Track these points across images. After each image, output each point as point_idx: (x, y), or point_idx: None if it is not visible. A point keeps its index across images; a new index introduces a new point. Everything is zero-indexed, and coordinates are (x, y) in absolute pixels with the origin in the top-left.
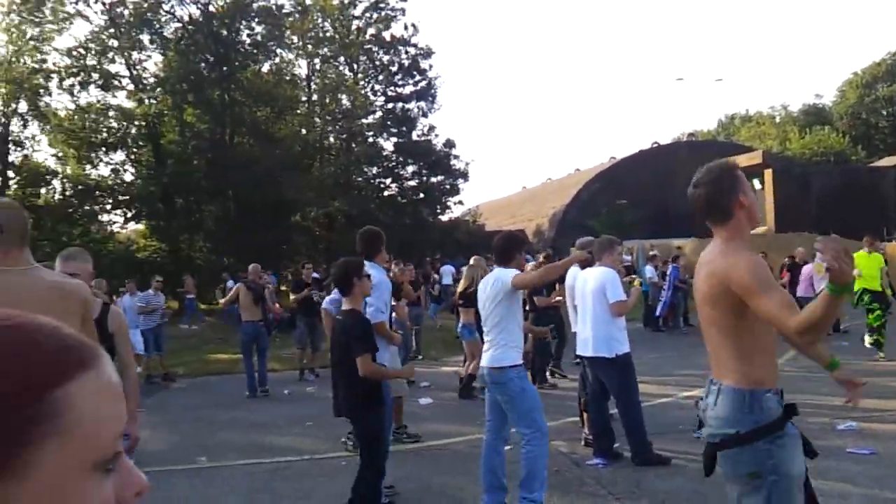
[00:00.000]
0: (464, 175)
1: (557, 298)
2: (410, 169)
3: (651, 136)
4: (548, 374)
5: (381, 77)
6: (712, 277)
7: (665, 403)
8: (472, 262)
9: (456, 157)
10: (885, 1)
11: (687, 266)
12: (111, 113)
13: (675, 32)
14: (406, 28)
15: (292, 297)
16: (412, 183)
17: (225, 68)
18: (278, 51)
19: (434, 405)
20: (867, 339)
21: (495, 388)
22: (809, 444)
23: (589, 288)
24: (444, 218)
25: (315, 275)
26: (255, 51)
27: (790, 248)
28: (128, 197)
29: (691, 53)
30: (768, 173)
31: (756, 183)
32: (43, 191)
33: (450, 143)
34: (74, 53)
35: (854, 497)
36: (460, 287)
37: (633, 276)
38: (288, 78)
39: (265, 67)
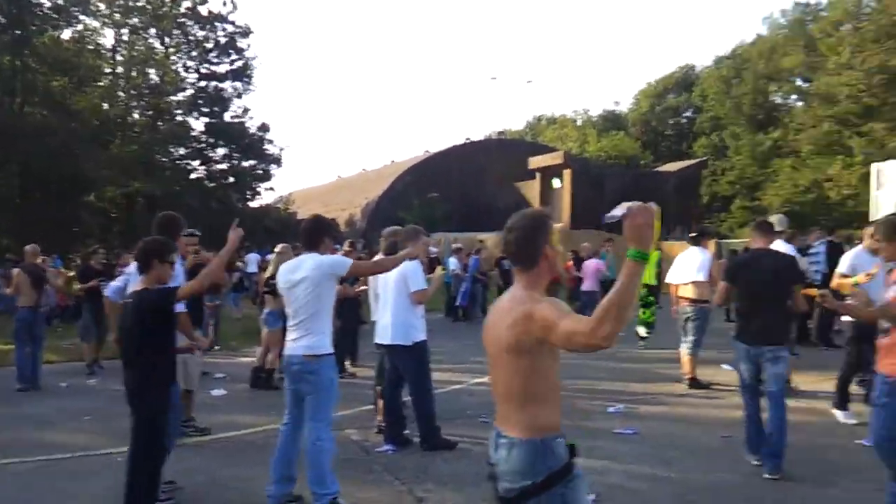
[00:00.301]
0: (277, 161)
1: (362, 287)
2: (221, 151)
3: (465, 131)
4: (347, 363)
5: (194, 53)
6: (515, 324)
7: (457, 390)
8: (278, 249)
9: (270, 141)
10: (679, 18)
11: (487, 259)
12: None
13: (490, 32)
14: (224, 4)
15: (78, 285)
16: (222, 166)
17: (19, 32)
18: (82, 17)
19: (228, 396)
20: (642, 331)
21: (304, 377)
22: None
23: (391, 276)
24: (255, 204)
25: (104, 261)
26: (55, 15)
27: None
28: None
29: (505, 54)
30: (567, 173)
31: (556, 182)
32: None
33: (264, 127)
34: None
35: (614, 473)
36: (267, 274)
37: (440, 267)
38: (91, 47)
39: (66, 34)
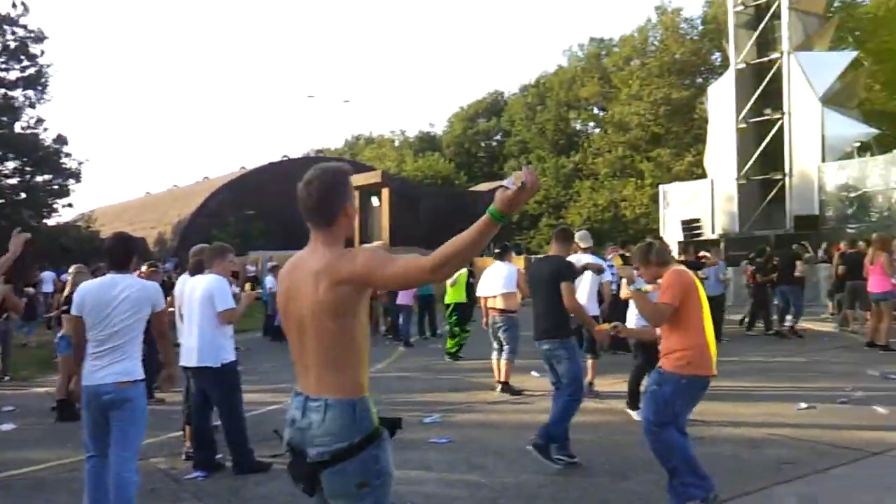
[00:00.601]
0: (76, 175)
1: (170, 309)
2: (11, 165)
3: (282, 149)
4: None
5: None
6: (333, 285)
7: (273, 410)
8: (73, 269)
9: (67, 155)
10: (488, 46)
11: None
12: None
13: (307, 50)
14: (14, 6)
15: None
16: (12, 181)
17: None
18: None
19: (18, 430)
20: (447, 357)
21: (118, 405)
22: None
23: (196, 296)
24: (51, 222)
25: None
26: None
27: None
28: None
29: (323, 73)
30: (385, 192)
31: (375, 200)
32: None
33: (61, 140)
34: None
35: (429, 482)
36: (66, 293)
37: (249, 284)
38: None
39: None
